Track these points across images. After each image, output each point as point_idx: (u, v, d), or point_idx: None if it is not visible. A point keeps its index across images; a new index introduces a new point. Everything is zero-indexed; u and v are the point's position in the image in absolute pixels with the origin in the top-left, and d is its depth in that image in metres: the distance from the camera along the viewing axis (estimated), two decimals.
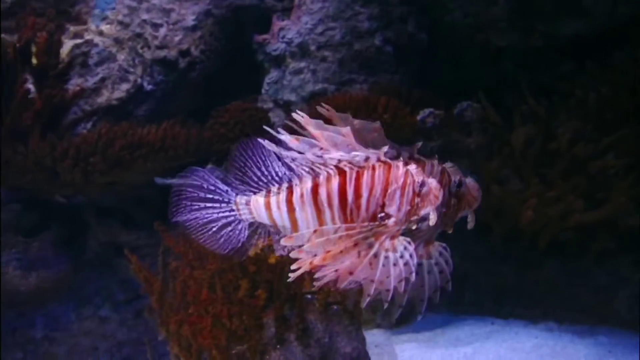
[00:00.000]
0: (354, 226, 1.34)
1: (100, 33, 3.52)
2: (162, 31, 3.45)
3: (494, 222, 3.42)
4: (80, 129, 3.33)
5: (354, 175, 1.38)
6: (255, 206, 1.50)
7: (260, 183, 1.51)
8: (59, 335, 3.18)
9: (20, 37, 3.05)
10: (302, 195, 1.42)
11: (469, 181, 1.41)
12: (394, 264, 1.33)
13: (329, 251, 1.32)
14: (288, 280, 1.41)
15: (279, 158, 1.45)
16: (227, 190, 1.55)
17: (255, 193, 1.51)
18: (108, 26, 3.52)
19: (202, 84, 3.64)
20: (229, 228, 1.55)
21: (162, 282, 2.37)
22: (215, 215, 1.55)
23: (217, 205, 1.55)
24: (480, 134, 3.30)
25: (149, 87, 3.51)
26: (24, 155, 2.86)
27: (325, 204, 1.39)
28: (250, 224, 1.55)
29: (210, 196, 1.56)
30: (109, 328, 3.20)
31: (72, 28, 3.62)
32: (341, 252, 1.32)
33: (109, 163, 2.78)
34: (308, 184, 1.41)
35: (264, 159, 1.50)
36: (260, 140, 1.45)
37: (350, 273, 1.32)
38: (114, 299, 3.22)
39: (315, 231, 1.36)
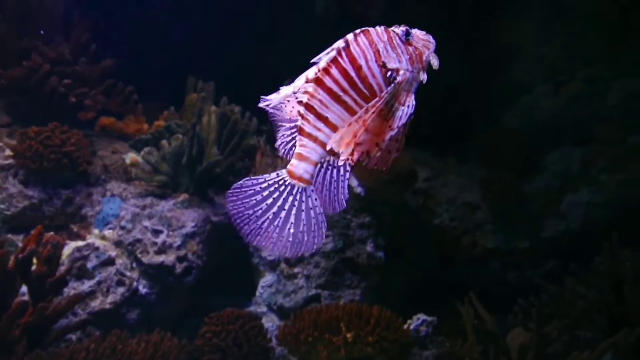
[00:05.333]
0: (375, 100, 1.39)
1: (102, 237, 3.66)
2: (162, 237, 3.59)
3: None
4: (69, 335, 3.28)
5: (343, 53, 1.42)
6: (307, 150, 1.45)
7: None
8: None
9: (24, 248, 3.14)
10: (321, 102, 1.42)
11: (413, 30, 1.48)
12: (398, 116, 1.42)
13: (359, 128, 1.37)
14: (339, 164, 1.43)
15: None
16: (277, 174, 1.48)
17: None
18: (110, 231, 3.67)
19: (197, 286, 3.69)
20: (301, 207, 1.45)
21: None
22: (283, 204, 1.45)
23: (277, 192, 1.46)
24: (436, 348, 3.31)
25: (144, 291, 3.54)
26: None
27: (340, 92, 1.42)
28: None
29: (267, 192, 1.46)
30: None
31: (76, 229, 3.77)
32: (371, 122, 1.38)
33: None
34: (317, 89, 1.41)
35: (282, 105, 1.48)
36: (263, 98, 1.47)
37: (365, 129, 1.37)
38: None
39: (349, 124, 1.39)
